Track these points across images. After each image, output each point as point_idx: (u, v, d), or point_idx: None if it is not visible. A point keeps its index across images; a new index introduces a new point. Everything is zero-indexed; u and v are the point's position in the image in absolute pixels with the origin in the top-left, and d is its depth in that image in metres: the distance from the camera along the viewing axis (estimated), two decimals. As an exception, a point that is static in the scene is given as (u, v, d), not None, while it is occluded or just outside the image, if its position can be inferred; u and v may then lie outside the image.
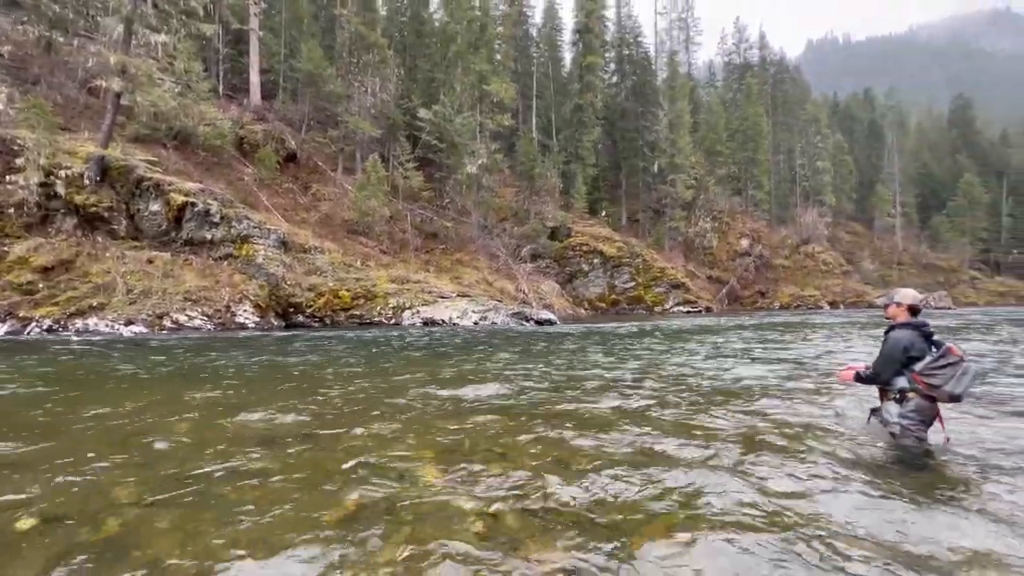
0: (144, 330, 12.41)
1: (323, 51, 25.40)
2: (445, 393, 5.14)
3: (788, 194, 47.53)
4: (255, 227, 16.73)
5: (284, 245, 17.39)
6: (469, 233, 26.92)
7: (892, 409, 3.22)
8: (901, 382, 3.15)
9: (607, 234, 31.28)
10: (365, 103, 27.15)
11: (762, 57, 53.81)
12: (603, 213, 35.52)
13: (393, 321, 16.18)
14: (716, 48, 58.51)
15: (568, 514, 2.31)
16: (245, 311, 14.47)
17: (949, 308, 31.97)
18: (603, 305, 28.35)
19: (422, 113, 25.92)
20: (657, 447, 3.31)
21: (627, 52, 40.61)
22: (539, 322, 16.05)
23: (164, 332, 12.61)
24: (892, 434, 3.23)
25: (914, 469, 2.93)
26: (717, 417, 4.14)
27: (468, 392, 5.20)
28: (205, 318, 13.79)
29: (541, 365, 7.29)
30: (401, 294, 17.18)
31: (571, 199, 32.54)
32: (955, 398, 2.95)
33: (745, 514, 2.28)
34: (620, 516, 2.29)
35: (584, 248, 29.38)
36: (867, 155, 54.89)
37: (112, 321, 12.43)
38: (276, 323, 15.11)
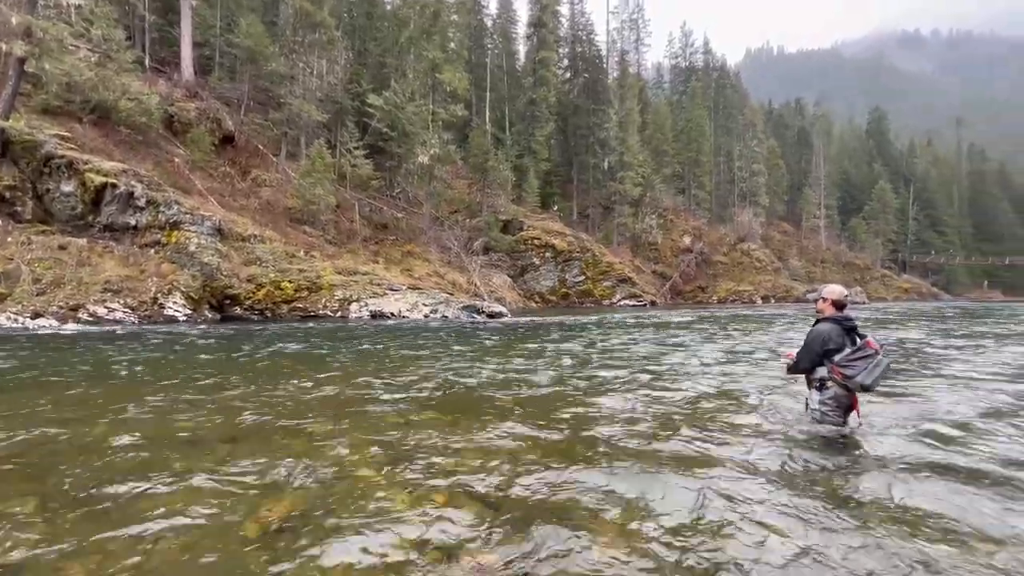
0: (55, 323, 11.27)
1: (265, 27, 23.86)
2: (385, 386, 5.06)
3: (727, 194, 50.29)
4: (187, 213, 15.56)
5: (220, 233, 16.31)
6: (420, 224, 26.45)
7: (814, 396, 3.51)
8: (822, 372, 3.41)
9: (559, 228, 31.76)
10: (311, 85, 25.83)
11: (706, 62, 56.39)
12: (555, 208, 36.01)
13: (339, 314, 15.65)
14: (664, 51, 60.69)
15: (511, 504, 2.36)
16: (175, 303, 13.48)
17: (863, 303, 35.23)
18: (554, 298, 28.84)
19: (372, 99, 25.03)
20: (596, 432, 3.43)
21: (580, 49, 41.16)
22: (490, 315, 16.09)
23: (79, 325, 11.50)
24: (813, 419, 3.52)
25: (815, 449, 3.21)
26: (649, 401, 4.35)
27: (412, 388, 5.14)
28: (128, 310, 12.72)
29: (495, 359, 7.33)
30: (348, 286, 16.62)
31: (523, 193, 32.71)
32: (866, 388, 3.22)
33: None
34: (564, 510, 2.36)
35: (536, 242, 29.69)
36: (797, 160, 59.06)
37: (16, 314, 11.19)
38: (211, 316, 14.19)
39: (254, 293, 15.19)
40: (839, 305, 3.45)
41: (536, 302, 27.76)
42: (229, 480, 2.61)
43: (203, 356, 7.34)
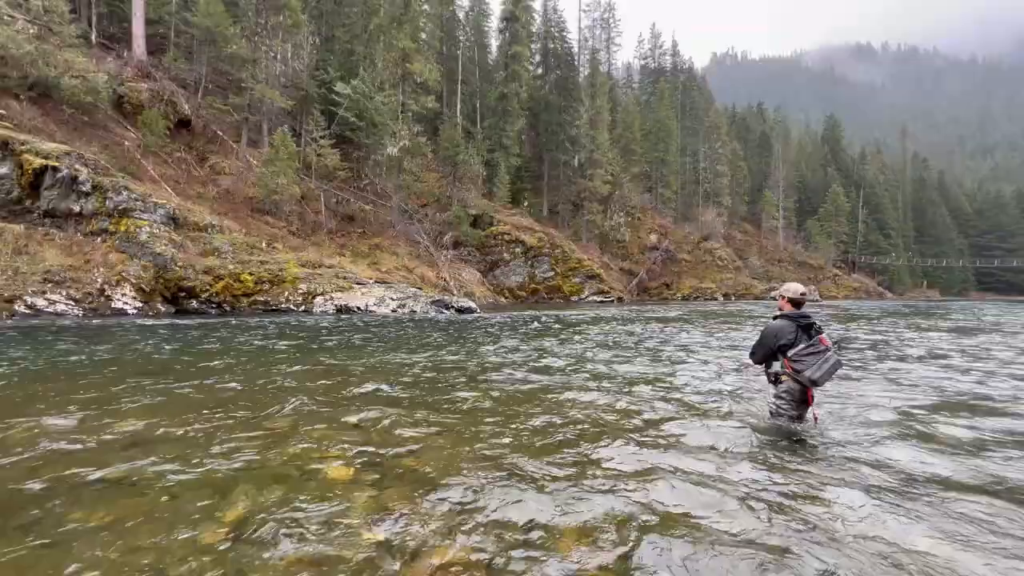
0: (-12, 316, 10.46)
1: (225, 6, 22.72)
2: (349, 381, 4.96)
3: (692, 194, 51.73)
4: (137, 200, 14.72)
5: (174, 221, 15.51)
6: (389, 217, 25.97)
7: (771, 390, 3.66)
8: (776, 367, 3.56)
9: (529, 224, 31.86)
10: (274, 70, 24.82)
11: (674, 64, 57.66)
12: (525, 203, 36.07)
13: (303, 308, 15.20)
14: (634, 51, 61.58)
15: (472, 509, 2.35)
16: (124, 295, 12.76)
17: (817, 300, 37.02)
18: (523, 294, 28.95)
19: (340, 87, 24.31)
20: (567, 431, 3.48)
21: (552, 46, 41.24)
22: (459, 310, 15.99)
23: (15, 318, 10.72)
24: (770, 413, 3.67)
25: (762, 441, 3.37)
26: (594, 390, 4.45)
27: (366, 384, 5.07)
28: (71, 302, 11.95)
29: (464, 352, 7.29)
30: (313, 279, 16.15)
31: (494, 188, 32.60)
32: (814, 383, 3.36)
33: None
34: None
35: (506, 237, 29.69)
36: (758, 163, 61.33)
37: (-58, 305, 10.32)
38: (164, 309, 13.51)
39: (212, 285, 14.54)
40: (796, 303, 3.57)
41: (506, 297, 27.80)
42: (179, 481, 2.50)
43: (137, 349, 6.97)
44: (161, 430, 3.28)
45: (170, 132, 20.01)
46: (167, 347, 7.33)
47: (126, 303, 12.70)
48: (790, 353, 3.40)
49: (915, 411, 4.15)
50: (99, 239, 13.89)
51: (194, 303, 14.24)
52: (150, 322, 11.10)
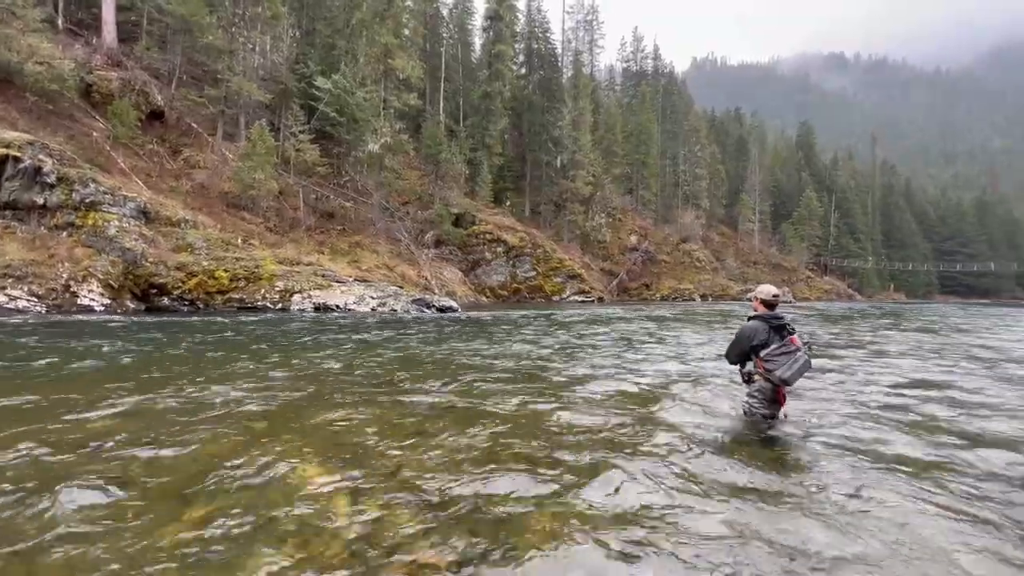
0: (-57, 312, 9.96)
1: (200, -5, 22.06)
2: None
3: (672, 196, 52.58)
4: (106, 193, 14.21)
5: (145, 216, 15.04)
6: (369, 215, 25.65)
7: (745, 389, 3.76)
8: (749, 366, 3.66)
9: (511, 224, 31.91)
10: (252, 62, 24.26)
11: (655, 68, 58.46)
12: (507, 203, 36.12)
13: (280, 306, 14.90)
14: (616, 54, 62.03)
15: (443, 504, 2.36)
16: (91, 291, 12.31)
17: (790, 302, 38.06)
18: (505, 293, 28.98)
19: (320, 82, 23.88)
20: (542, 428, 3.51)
21: (536, 46, 41.36)
22: (440, 309, 15.92)
23: (-26, 315, 10.24)
24: (744, 411, 3.77)
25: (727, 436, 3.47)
26: (570, 391, 4.51)
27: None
28: (34, 298, 11.47)
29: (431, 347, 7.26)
30: (290, 277, 15.85)
31: (476, 187, 32.53)
32: (784, 382, 3.46)
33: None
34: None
35: (488, 236, 29.67)
36: (735, 167, 62.70)
37: None
38: (133, 306, 13.08)
39: (184, 282, 14.14)
40: (769, 304, 3.67)
41: (487, 296, 27.78)
42: (156, 481, 2.44)
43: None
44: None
45: (141, 124, 19.35)
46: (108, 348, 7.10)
47: (93, 300, 12.25)
48: (762, 353, 3.50)
49: (883, 404, 4.33)
50: (64, 233, 13.36)
51: (166, 300, 13.83)
52: (90, 318, 10.74)
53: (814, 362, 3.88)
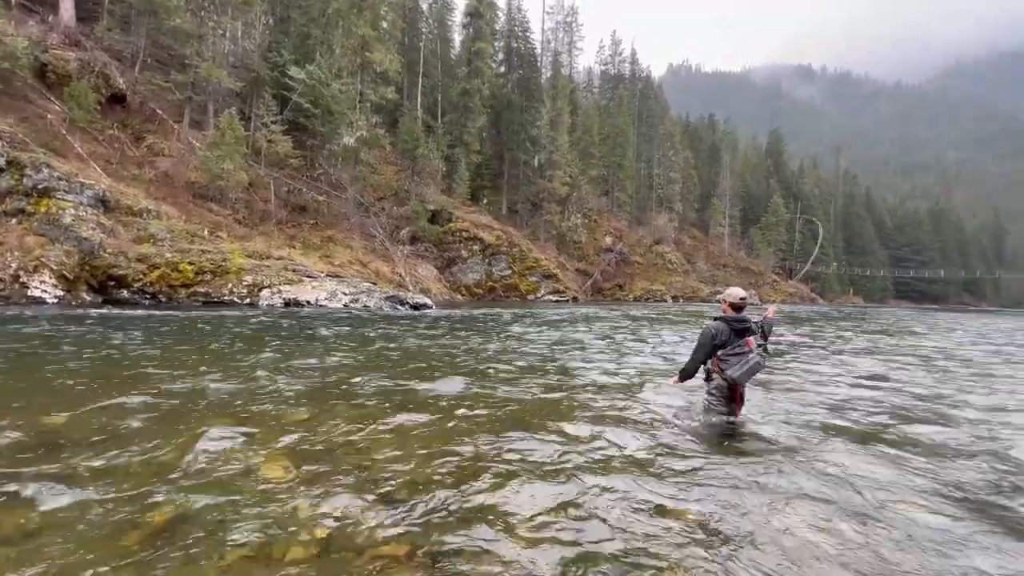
0: None
1: (166, -24, 21.15)
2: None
3: (646, 199, 53.49)
4: (61, 179, 13.53)
5: (104, 204, 14.39)
6: (343, 209, 25.19)
7: (705, 387, 3.91)
8: (709, 364, 3.80)
9: (487, 222, 31.87)
10: (223, 48, 23.46)
11: (632, 72, 59.30)
12: (485, 201, 36.04)
13: (248, 301, 14.51)
14: (595, 56, 62.61)
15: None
16: (43, 282, 11.72)
17: (757, 304, 39.31)
18: (480, 291, 28.95)
19: (294, 71, 23.26)
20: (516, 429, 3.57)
21: (516, 45, 41.33)
22: (414, 306, 15.80)
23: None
24: (703, 407, 3.91)
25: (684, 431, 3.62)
26: (527, 380, 4.59)
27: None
28: (-19, 289, 10.84)
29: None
30: (260, 271, 15.44)
31: (454, 184, 32.34)
32: (735, 381, 3.61)
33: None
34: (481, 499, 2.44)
35: (464, 234, 29.56)
36: (708, 172, 64.27)
37: None
38: (90, 299, 12.52)
39: (146, 274, 13.60)
40: (736, 307, 3.78)
41: (462, 294, 27.69)
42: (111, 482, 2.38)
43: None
44: None
45: (101, 107, 18.47)
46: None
47: (45, 291, 11.66)
48: (720, 353, 3.65)
49: (833, 408, 4.57)
50: (14, 220, 12.66)
51: (125, 293, 13.28)
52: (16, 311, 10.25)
53: (768, 361, 4.04)
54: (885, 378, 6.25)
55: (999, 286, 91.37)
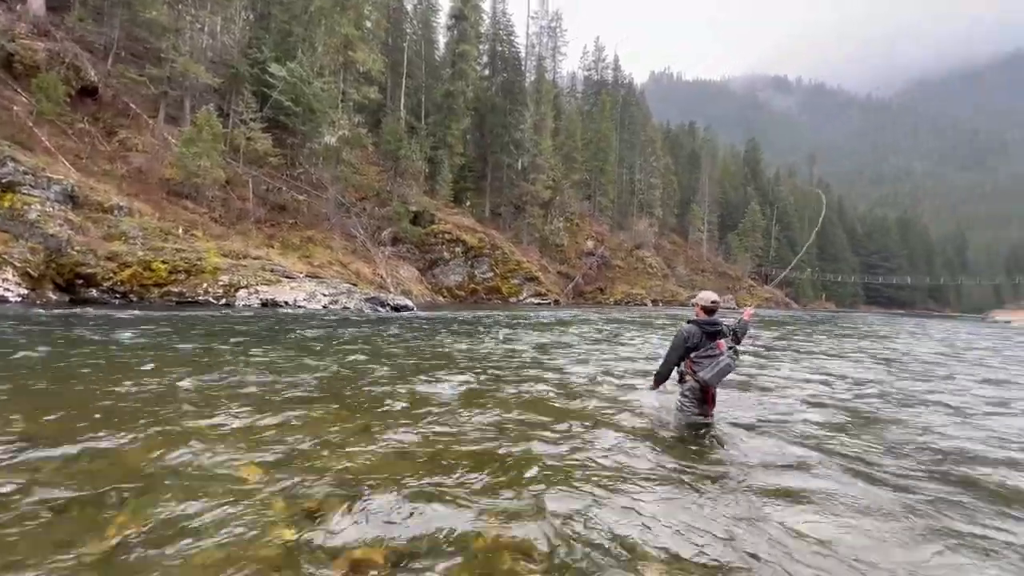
0: None
1: (142, -33, 20.61)
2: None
3: (627, 204, 54.22)
4: (26, 173, 13.06)
5: (72, 200, 13.93)
6: (324, 209, 24.87)
7: (678, 389, 4.01)
8: (682, 366, 3.90)
9: (470, 224, 31.86)
10: (201, 43, 22.98)
11: (615, 78, 60.09)
12: (467, 203, 36.03)
13: (224, 301, 14.20)
14: (579, 62, 63.22)
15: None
16: (5, 280, 11.27)
17: (733, 308, 40.17)
18: (462, 293, 28.89)
19: (274, 68, 22.91)
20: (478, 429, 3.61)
21: (500, 48, 41.49)
22: (395, 308, 15.69)
23: None
24: (676, 409, 4.01)
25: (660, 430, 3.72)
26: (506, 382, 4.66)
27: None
28: (-62, 287, 10.37)
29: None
30: (236, 271, 15.13)
31: (436, 186, 32.25)
32: (706, 382, 3.72)
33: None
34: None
35: (447, 236, 29.49)
36: (687, 178, 65.53)
37: None
38: (56, 297, 12.09)
39: (116, 273, 13.20)
40: (708, 310, 3.89)
41: (444, 296, 27.59)
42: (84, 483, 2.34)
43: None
44: None
45: (71, 100, 17.90)
46: None
47: (8, 289, 11.21)
48: (692, 355, 3.76)
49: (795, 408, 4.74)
50: (-24, 215, 12.15)
51: (94, 292, 12.85)
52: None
53: (739, 362, 4.17)
54: (846, 377, 6.59)
55: (961, 292, 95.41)
